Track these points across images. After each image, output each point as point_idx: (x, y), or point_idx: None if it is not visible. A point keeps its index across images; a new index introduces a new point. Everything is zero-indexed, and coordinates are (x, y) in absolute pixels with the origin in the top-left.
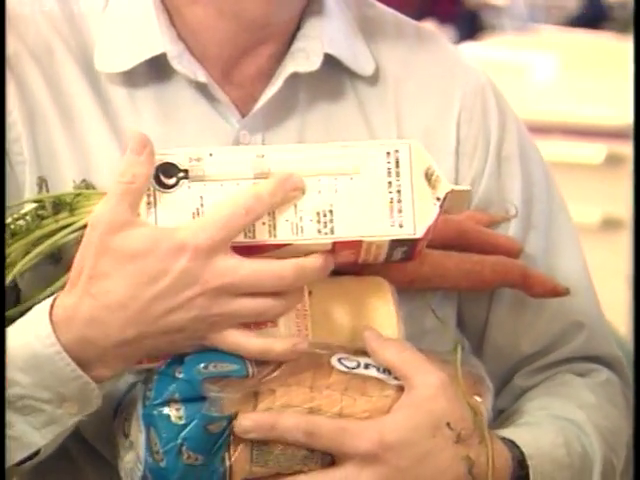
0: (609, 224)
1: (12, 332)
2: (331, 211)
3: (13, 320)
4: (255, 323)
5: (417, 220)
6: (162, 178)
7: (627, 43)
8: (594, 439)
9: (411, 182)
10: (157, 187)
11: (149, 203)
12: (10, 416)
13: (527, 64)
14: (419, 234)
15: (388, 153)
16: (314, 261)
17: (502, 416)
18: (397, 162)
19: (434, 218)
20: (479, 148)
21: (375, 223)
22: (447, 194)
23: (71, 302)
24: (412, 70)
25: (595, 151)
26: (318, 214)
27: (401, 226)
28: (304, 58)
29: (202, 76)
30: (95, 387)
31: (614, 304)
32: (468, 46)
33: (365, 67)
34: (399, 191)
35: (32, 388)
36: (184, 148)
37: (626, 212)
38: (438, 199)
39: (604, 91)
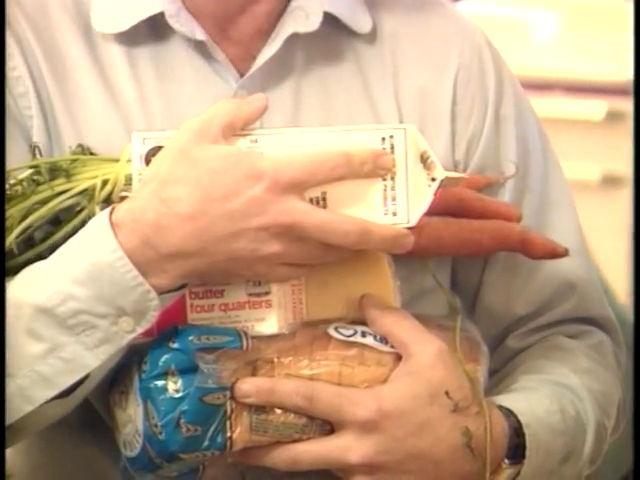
0: (609, 181)
1: (65, 247)
2: (324, 198)
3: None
4: (249, 302)
5: (411, 208)
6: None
7: None
8: (588, 404)
9: (406, 168)
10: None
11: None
12: (61, 337)
13: (528, 20)
14: (413, 222)
15: (383, 139)
16: (382, 229)
17: (495, 378)
18: (392, 148)
19: (428, 205)
20: (476, 108)
21: (368, 211)
22: (441, 181)
23: (138, 205)
24: (409, 28)
25: (596, 108)
26: (311, 200)
27: (395, 214)
28: (303, 17)
29: (200, 34)
30: (155, 297)
31: (614, 261)
32: (469, 2)
33: (363, 25)
34: (393, 178)
35: (89, 301)
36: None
37: (626, 169)
38: (433, 179)
39: (605, 47)
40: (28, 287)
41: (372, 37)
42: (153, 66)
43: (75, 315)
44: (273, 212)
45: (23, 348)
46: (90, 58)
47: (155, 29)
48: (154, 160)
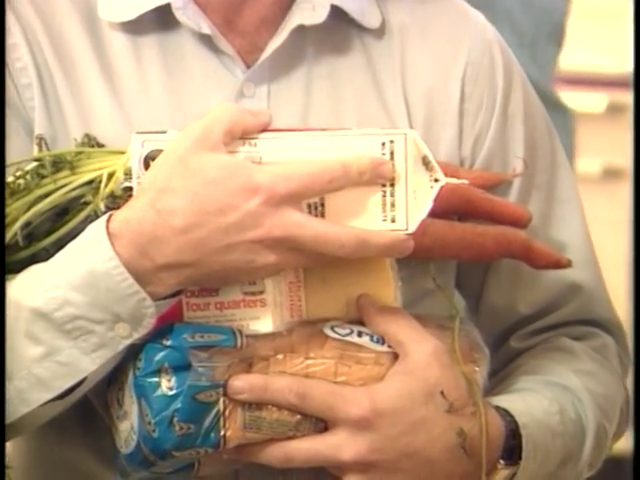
0: (610, 174)
1: (64, 252)
2: (322, 204)
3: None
4: (244, 301)
5: (410, 214)
6: (151, 164)
7: None
8: (588, 406)
9: (405, 174)
10: (145, 173)
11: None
12: (58, 341)
13: None
14: (411, 229)
15: (383, 144)
16: (379, 237)
17: (495, 378)
18: (392, 153)
19: (427, 211)
20: (484, 106)
21: (367, 217)
22: (441, 187)
23: (134, 216)
24: (419, 24)
25: (596, 100)
26: (309, 206)
27: (393, 221)
28: (310, 10)
29: (206, 28)
30: (151, 304)
31: (614, 254)
32: None
33: (371, 20)
34: (393, 184)
35: (86, 307)
36: (175, 133)
37: (627, 162)
38: (436, 180)
39: (605, 40)
40: (27, 289)
41: (381, 32)
42: (159, 56)
43: (72, 320)
44: (268, 225)
45: (21, 351)
46: (95, 47)
47: (162, 19)
48: (152, 166)
